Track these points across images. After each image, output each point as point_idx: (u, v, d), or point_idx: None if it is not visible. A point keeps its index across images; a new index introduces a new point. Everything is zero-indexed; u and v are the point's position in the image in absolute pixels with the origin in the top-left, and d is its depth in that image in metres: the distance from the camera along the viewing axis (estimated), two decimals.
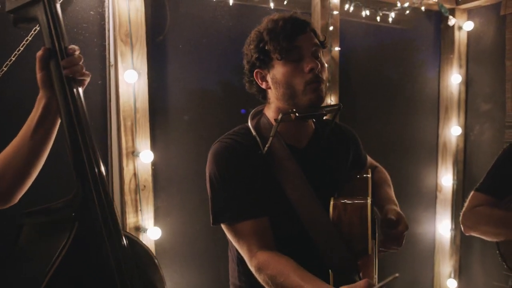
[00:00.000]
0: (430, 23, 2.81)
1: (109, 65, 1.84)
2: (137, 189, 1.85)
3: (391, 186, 1.56)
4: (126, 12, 1.78)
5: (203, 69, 2.11)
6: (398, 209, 1.35)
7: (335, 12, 2.27)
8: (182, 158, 2.07)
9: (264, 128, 1.29)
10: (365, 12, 2.39)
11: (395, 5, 2.47)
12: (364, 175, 1.44)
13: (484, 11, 2.67)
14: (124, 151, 1.81)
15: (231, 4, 2.08)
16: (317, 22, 2.28)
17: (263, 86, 1.29)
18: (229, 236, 1.24)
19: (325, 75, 1.24)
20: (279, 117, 1.20)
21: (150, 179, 1.89)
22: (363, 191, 1.34)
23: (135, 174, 1.84)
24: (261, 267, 1.15)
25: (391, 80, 2.71)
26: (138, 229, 1.86)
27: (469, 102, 2.83)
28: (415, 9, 2.57)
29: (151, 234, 1.87)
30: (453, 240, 2.88)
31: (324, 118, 1.47)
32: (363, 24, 2.50)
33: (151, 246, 1.89)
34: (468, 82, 2.82)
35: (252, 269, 1.18)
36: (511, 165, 1.85)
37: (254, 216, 1.19)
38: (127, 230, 1.83)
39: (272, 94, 1.28)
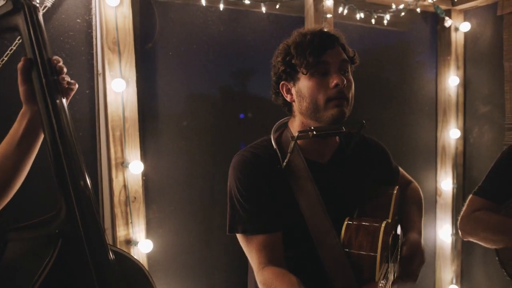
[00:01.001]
0: (426, 24, 2.77)
1: (97, 74, 1.78)
2: (127, 201, 1.79)
3: (421, 206, 1.52)
4: (113, 20, 1.74)
5: (194, 75, 2.06)
6: (418, 239, 1.31)
7: (329, 15, 2.22)
8: (174, 168, 2.01)
9: (285, 142, 1.30)
10: (360, 15, 2.34)
11: (390, 7, 2.43)
12: (389, 192, 1.38)
13: (480, 11, 2.63)
14: (113, 162, 1.76)
15: (221, 9, 2.03)
16: (310, 25, 2.24)
17: (288, 98, 1.30)
18: (242, 246, 1.26)
19: (350, 92, 1.24)
20: (296, 135, 1.21)
21: (140, 190, 1.84)
22: (385, 210, 1.31)
23: (125, 186, 1.79)
24: (266, 283, 1.16)
25: (388, 83, 2.66)
26: (129, 242, 1.80)
27: (468, 104, 2.78)
28: (410, 11, 2.53)
29: (143, 247, 1.82)
30: (454, 245, 2.82)
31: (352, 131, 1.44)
32: (357, 26, 2.45)
33: (142, 259, 1.83)
34: (466, 84, 2.78)
35: (258, 283, 1.20)
36: (509, 169, 1.81)
37: (267, 230, 1.20)
38: (118, 244, 1.77)
39: (296, 107, 1.29)
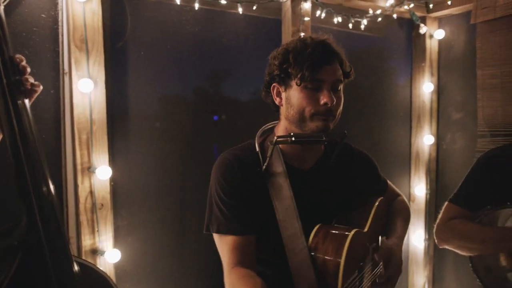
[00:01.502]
0: (401, 31, 2.78)
1: (63, 73, 1.68)
2: (93, 208, 1.69)
3: (408, 218, 1.55)
4: (81, 16, 1.64)
5: (167, 76, 1.98)
6: (394, 244, 1.34)
7: (306, 18, 2.19)
8: (145, 173, 1.93)
9: (267, 146, 1.30)
10: (337, 19, 2.32)
11: (367, 12, 2.42)
12: (371, 203, 1.40)
13: (454, 19, 2.66)
14: (79, 167, 1.66)
15: (197, 8, 1.96)
16: (287, 28, 2.20)
17: (277, 101, 1.31)
18: (216, 245, 1.27)
19: (338, 110, 1.26)
20: (274, 139, 1.21)
21: (108, 196, 1.74)
22: (363, 220, 1.32)
23: (91, 192, 1.69)
24: (231, 284, 1.18)
25: (363, 89, 2.65)
26: (95, 251, 1.70)
27: (441, 110, 2.81)
28: (386, 17, 2.53)
29: (110, 257, 1.72)
30: (427, 250, 2.84)
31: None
32: (335, 31, 2.43)
33: (110, 270, 1.73)
34: (439, 91, 2.81)
35: (225, 284, 1.21)
36: (484, 177, 1.82)
37: (240, 232, 1.22)
38: (83, 254, 1.67)
39: (283, 111, 1.30)
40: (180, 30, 2.00)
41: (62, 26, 1.67)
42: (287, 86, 1.26)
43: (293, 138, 1.20)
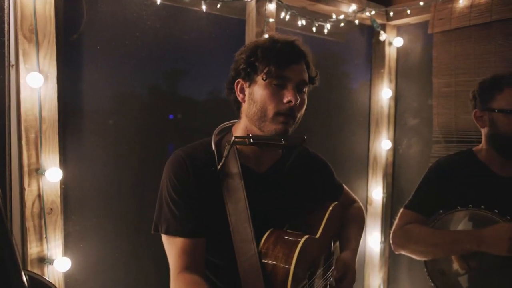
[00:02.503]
0: (362, 37, 2.83)
1: (9, 66, 1.54)
2: (41, 213, 1.56)
3: (362, 226, 1.56)
4: (31, 3, 1.51)
5: (125, 73, 1.87)
6: (350, 258, 1.35)
7: (271, 20, 2.16)
8: (98, 175, 1.81)
9: (224, 146, 1.26)
10: (301, 22, 2.31)
11: (331, 16, 2.44)
12: (325, 208, 1.39)
13: (412, 28, 2.74)
14: (25, 169, 1.52)
15: (158, 3, 1.88)
16: (251, 28, 2.16)
17: (240, 98, 1.27)
18: (164, 246, 1.22)
19: (300, 112, 1.24)
20: (232, 139, 1.18)
21: (58, 200, 1.61)
22: (316, 225, 1.30)
23: (39, 196, 1.56)
24: None
25: (324, 93, 2.67)
26: (42, 260, 1.57)
27: (398, 116, 2.88)
28: (349, 22, 2.56)
29: (59, 266, 1.59)
30: (383, 252, 2.91)
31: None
32: (298, 34, 2.42)
33: (59, 279, 1.61)
34: (397, 97, 2.88)
35: None
36: (438, 183, 1.88)
37: (189, 235, 1.17)
38: (29, 263, 1.53)
39: (244, 109, 1.26)
40: (140, 25, 1.90)
41: (9, 14, 1.53)
42: (251, 81, 1.23)
43: (251, 140, 1.17)
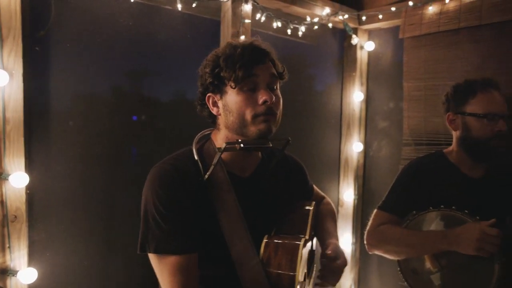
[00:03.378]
0: (335, 40, 2.85)
1: None
2: (4, 221, 1.46)
3: (336, 219, 1.58)
4: None
5: (96, 72, 1.79)
6: (338, 244, 1.37)
7: (247, 21, 2.13)
8: (67, 180, 1.72)
9: (207, 154, 1.24)
10: (277, 24, 2.30)
11: (305, 19, 2.44)
12: (306, 208, 1.40)
13: (383, 33, 2.80)
14: None
15: (132, 0, 1.81)
16: (227, 29, 2.12)
17: (214, 111, 1.25)
18: (154, 266, 1.16)
19: (278, 109, 1.23)
20: (223, 146, 1.16)
21: (23, 207, 1.51)
22: (302, 226, 1.31)
23: (2, 202, 1.45)
24: None
25: (296, 96, 2.67)
26: (4, 272, 1.47)
27: (369, 119, 2.93)
28: (322, 26, 2.57)
29: (24, 277, 1.49)
30: (354, 253, 2.94)
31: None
32: (273, 36, 2.42)
33: None
34: (368, 100, 2.93)
35: None
36: (410, 184, 1.92)
37: (182, 251, 1.12)
38: None
39: (222, 121, 1.24)
40: (112, 23, 1.82)
41: None
42: (222, 93, 1.21)
43: (241, 145, 1.16)
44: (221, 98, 1.22)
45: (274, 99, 1.18)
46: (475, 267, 1.68)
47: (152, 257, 1.14)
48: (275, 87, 1.24)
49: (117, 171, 1.87)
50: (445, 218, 1.79)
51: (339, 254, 1.31)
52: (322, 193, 1.68)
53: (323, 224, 1.51)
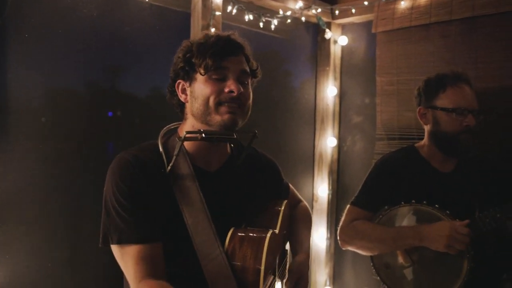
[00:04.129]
0: (308, 34, 2.83)
1: None
2: None
3: (310, 225, 1.56)
4: None
5: (57, 65, 1.72)
6: (304, 261, 1.37)
7: (217, 13, 2.08)
8: (29, 177, 1.65)
9: (172, 147, 1.21)
10: (248, 16, 2.26)
11: (278, 12, 2.41)
12: (278, 206, 1.38)
13: (356, 27, 2.79)
14: None
15: None
16: (197, 22, 2.07)
17: (182, 98, 1.24)
18: (117, 259, 1.14)
19: (247, 103, 1.22)
20: (184, 135, 1.13)
21: None
22: (273, 223, 1.29)
23: None
24: None
25: (269, 90, 2.64)
26: None
27: (342, 114, 2.93)
28: (295, 19, 2.55)
29: None
30: (328, 249, 2.94)
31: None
32: (245, 29, 2.37)
33: None
34: (341, 95, 2.92)
35: None
36: (382, 179, 1.93)
37: (145, 240, 1.10)
38: None
39: (188, 108, 1.23)
40: (75, 14, 1.74)
41: None
42: (192, 80, 1.20)
43: (203, 135, 1.14)
44: (190, 85, 1.21)
45: (241, 90, 1.17)
46: (446, 262, 1.71)
47: (115, 249, 1.12)
48: (246, 82, 1.22)
49: (86, 168, 1.80)
50: (416, 213, 1.80)
51: (301, 277, 1.32)
52: (300, 197, 1.65)
53: (296, 231, 1.50)
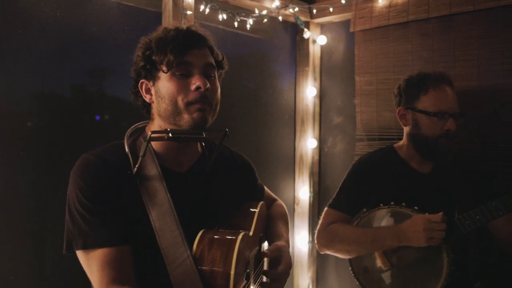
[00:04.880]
0: (286, 34, 2.78)
1: None
2: None
3: (287, 221, 1.51)
4: None
5: (16, 68, 1.62)
6: (284, 244, 1.29)
7: (189, 12, 2.01)
8: (14, 183, 1.58)
9: (139, 147, 1.16)
10: (222, 16, 2.19)
11: (253, 12, 2.35)
12: (253, 207, 1.32)
13: (335, 27, 2.74)
14: None
15: None
16: (168, 22, 1.99)
17: (147, 99, 1.19)
18: (83, 265, 1.08)
19: (215, 98, 1.17)
20: (149, 135, 1.07)
21: None
22: (247, 225, 1.24)
23: None
24: None
25: (248, 91, 2.58)
26: None
27: (323, 114, 2.87)
28: (272, 19, 2.49)
29: None
30: (311, 252, 2.89)
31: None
32: (220, 30, 2.31)
33: None
34: (321, 95, 2.87)
35: None
36: (360, 181, 1.89)
37: (111, 244, 1.05)
38: None
39: (155, 108, 1.18)
40: (36, 13, 1.66)
41: None
42: (155, 79, 1.15)
43: (170, 134, 1.08)
44: (154, 84, 1.16)
45: (208, 85, 1.12)
46: (425, 265, 1.66)
47: (80, 255, 1.08)
48: (212, 75, 1.18)
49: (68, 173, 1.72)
50: (395, 215, 1.76)
51: (281, 256, 1.22)
52: (274, 196, 1.60)
53: (273, 227, 1.44)
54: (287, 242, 1.36)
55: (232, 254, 1.04)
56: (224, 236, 1.10)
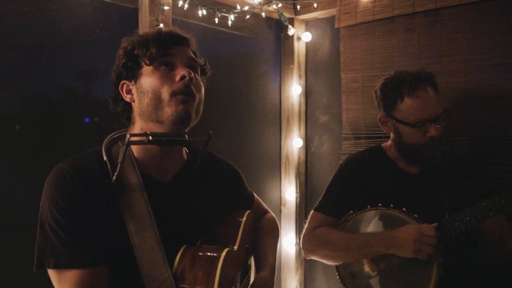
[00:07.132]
0: (270, 31, 2.71)
1: None
2: None
3: (277, 238, 1.46)
4: None
5: None
6: (268, 278, 1.27)
7: (166, 8, 1.93)
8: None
9: (117, 153, 1.08)
10: (202, 11, 2.11)
11: (235, 7, 2.27)
12: (239, 218, 1.27)
13: (320, 23, 2.68)
14: None
15: None
16: (144, 18, 1.91)
17: (128, 98, 1.13)
18: (54, 285, 1.01)
19: (199, 94, 1.11)
20: (127, 139, 1.00)
21: None
22: (232, 237, 1.19)
23: None
24: None
25: (232, 91, 2.51)
26: None
27: (309, 113, 2.81)
28: (255, 16, 2.41)
29: None
30: (298, 254, 2.82)
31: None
32: (201, 26, 2.22)
33: None
34: (307, 93, 2.80)
35: None
36: (345, 183, 1.83)
37: (86, 265, 0.97)
38: None
39: (136, 109, 1.12)
40: (1, 7, 1.56)
41: None
42: (137, 77, 1.10)
43: (150, 138, 1.00)
44: (135, 83, 1.10)
45: (193, 74, 1.07)
46: (414, 270, 1.60)
47: (52, 274, 1.00)
48: (196, 70, 1.14)
49: None
50: (383, 217, 1.69)
51: None
52: (265, 207, 1.53)
53: (261, 244, 1.38)
54: (272, 268, 1.32)
55: (215, 273, 0.99)
56: (206, 253, 1.04)
